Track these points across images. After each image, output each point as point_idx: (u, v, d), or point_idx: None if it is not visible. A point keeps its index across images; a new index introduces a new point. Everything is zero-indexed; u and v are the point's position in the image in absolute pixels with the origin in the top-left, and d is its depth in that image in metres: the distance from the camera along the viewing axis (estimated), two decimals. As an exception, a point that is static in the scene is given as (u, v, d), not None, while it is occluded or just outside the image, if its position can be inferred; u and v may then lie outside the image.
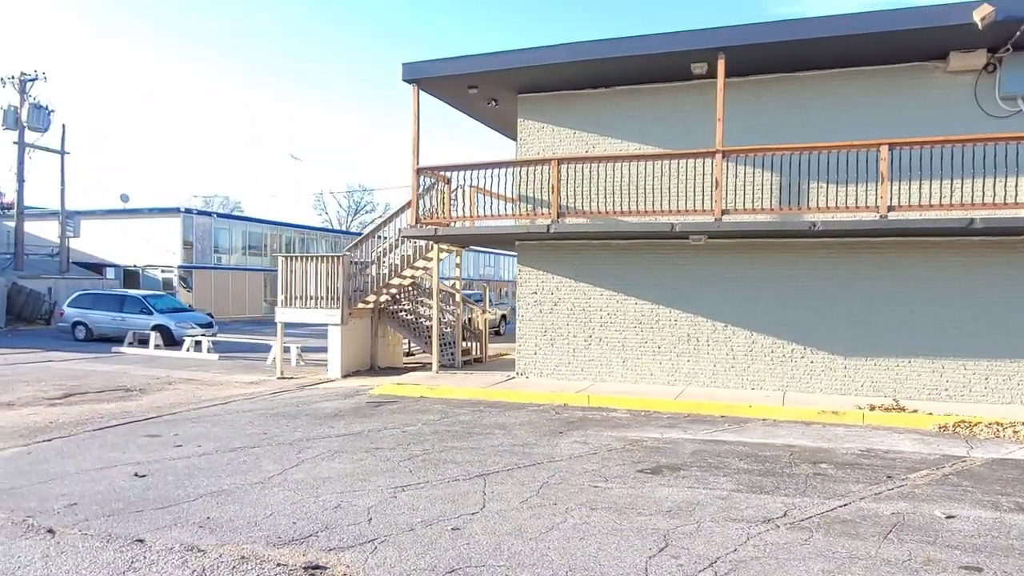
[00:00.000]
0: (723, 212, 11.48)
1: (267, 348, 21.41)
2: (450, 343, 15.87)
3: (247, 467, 7.55)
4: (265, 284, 41.85)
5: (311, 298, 15.49)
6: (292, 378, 15.30)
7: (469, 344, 16.90)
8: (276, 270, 43.68)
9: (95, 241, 36.60)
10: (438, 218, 13.74)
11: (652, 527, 5.66)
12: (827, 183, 11.59)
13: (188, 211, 37.77)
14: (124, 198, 41.37)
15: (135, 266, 36.89)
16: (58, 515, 6.01)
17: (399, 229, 14.93)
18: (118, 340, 22.94)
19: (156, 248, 36.27)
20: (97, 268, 36.69)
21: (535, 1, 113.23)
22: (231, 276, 39.05)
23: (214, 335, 23.10)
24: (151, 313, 23.47)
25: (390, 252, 15.44)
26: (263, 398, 12.44)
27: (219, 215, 40.11)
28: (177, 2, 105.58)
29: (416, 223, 13.39)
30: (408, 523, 5.78)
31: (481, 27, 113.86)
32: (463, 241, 15.03)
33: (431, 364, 17.06)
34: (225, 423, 10.04)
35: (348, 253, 15.54)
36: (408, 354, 18.52)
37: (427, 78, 13.42)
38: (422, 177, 13.55)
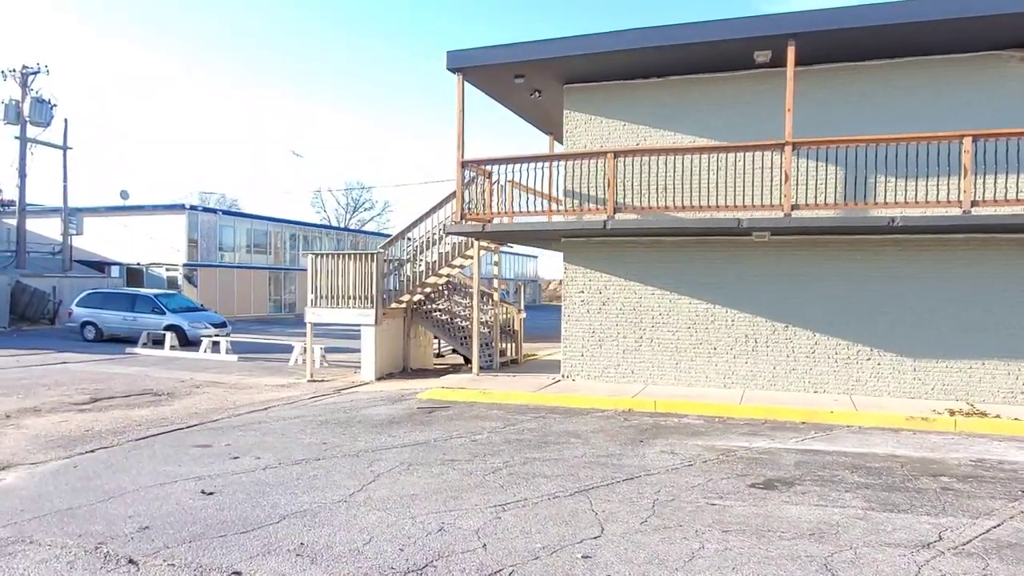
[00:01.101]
0: (793, 207, 10.92)
1: (285, 349, 20.79)
2: (487, 344, 15.27)
3: (320, 483, 6.94)
4: (270, 283, 41.12)
5: (343, 297, 14.86)
6: (323, 380, 14.67)
7: (504, 345, 16.30)
8: (281, 268, 42.98)
9: (97, 239, 35.78)
10: (478, 214, 13.14)
11: (804, 554, 5.09)
12: (899, 177, 11.03)
13: (193, 208, 36.96)
14: (124, 195, 40.57)
15: (139, 264, 36.08)
16: (133, 541, 5.39)
17: (443, 225, 14.30)
18: (128, 340, 22.23)
19: (160, 246, 35.47)
20: (99, 266, 35.84)
21: (535, 2, 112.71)
22: (236, 274, 38.27)
23: (228, 335, 22.42)
24: (163, 313, 22.75)
25: (427, 249, 14.81)
26: (303, 403, 11.81)
27: (224, 212, 39.35)
28: (177, 3, 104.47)
29: (461, 219, 12.78)
30: (529, 550, 5.19)
31: (481, 28, 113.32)
32: (504, 238, 14.42)
33: (462, 366, 16.52)
34: (275, 431, 9.42)
35: (382, 250, 14.92)
36: (438, 355, 17.90)
37: (472, 67, 12.81)
38: (466, 171, 12.93)
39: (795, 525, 5.69)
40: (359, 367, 16.85)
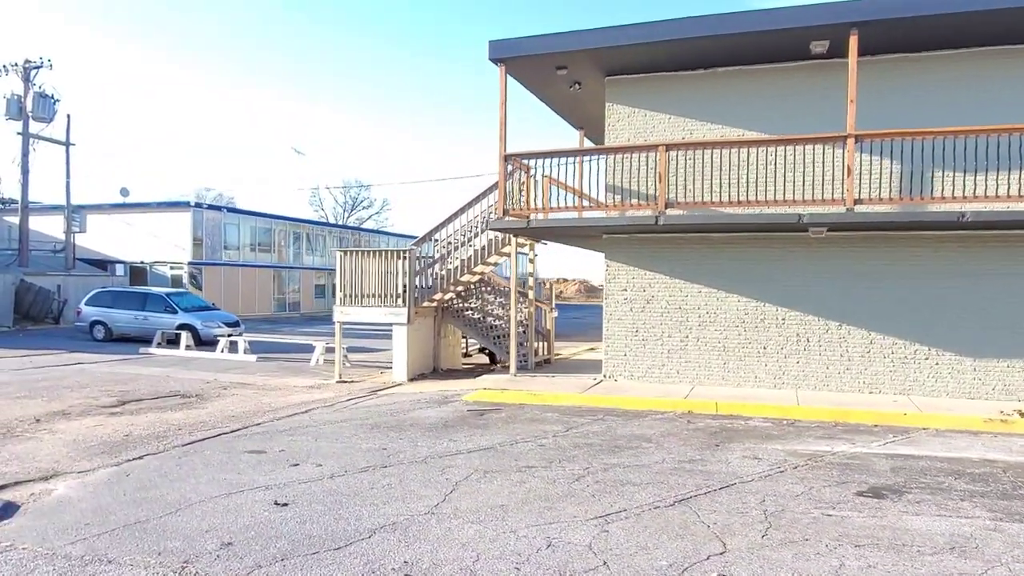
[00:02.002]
0: (855, 201, 10.56)
1: (301, 348, 20.32)
2: (521, 343, 14.84)
3: (398, 493, 6.51)
4: (274, 281, 40.53)
5: (373, 296, 14.41)
6: (351, 381, 14.23)
7: (536, 344, 15.87)
8: (284, 267, 42.28)
9: (99, 237, 35.11)
10: (519, 209, 12.72)
11: (956, 572, 4.70)
12: (967, 172, 10.66)
13: (198, 205, 36.35)
14: (124, 192, 39.88)
15: (142, 262, 35.44)
16: (220, 560, 4.95)
17: (485, 220, 13.85)
18: (139, 340, 21.72)
19: (165, 244, 34.84)
20: (102, 264, 35.19)
21: (535, 2, 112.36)
22: (241, 273, 37.69)
23: (240, 335, 21.93)
24: (176, 312, 22.24)
25: (461, 247, 14.37)
26: (342, 406, 11.37)
27: (229, 209, 38.66)
28: (177, 3, 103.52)
29: (504, 214, 12.36)
30: (655, 568, 4.79)
31: (481, 28, 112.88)
32: (544, 234, 13.98)
33: (491, 366, 16.11)
34: (327, 436, 8.97)
35: (414, 247, 14.48)
36: (465, 355, 17.45)
37: (514, 57, 12.38)
38: (509, 165, 12.51)
39: (929, 539, 5.31)
40: (385, 367, 16.47)
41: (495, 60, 12.36)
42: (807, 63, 11.85)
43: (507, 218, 12.44)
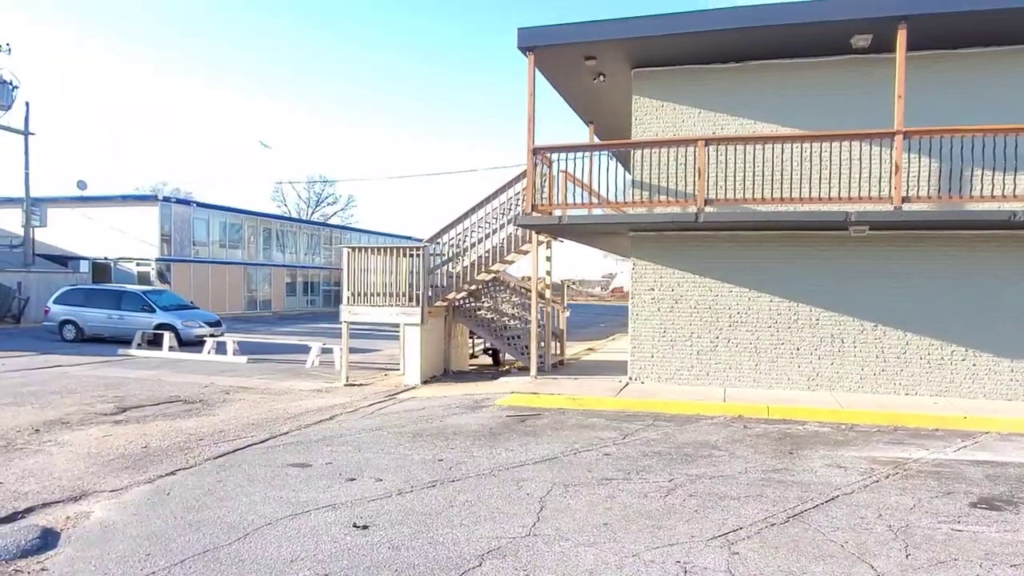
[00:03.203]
0: (903, 199, 10.32)
1: (290, 349, 19.51)
2: (537, 344, 14.30)
3: (482, 511, 5.94)
4: (244, 279, 39.16)
5: (383, 295, 13.73)
6: (360, 384, 13.55)
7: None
8: (255, 264, 40.85)
9: (60, 231, 33.33)
10: (543, 206, 12.21)
11: None
12: (1014, 170, 10.52)
13: (167, 199, 34.84)
14: (81, 185, 37.93)
15: (106, 259, 33.77)
16: (324, 597, 4.33)
17: (510, 216, 13.26)
18: (114, 341, 20.56)
19: (130, 239, 33.25)
20: (63, 261, 33.44)
21: (527, 2, 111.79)
22: (211, 270, 36.27)
23: (223, 335, 20.98)
24: (153, 311, 21.09)
25: (477, 244, 13.77)
26: (366, 412, 10.70)
27: (199, 204, 37.11)
28: (146, 3, 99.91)
29: (532, 210, 11.82)
30: (817, 597, 4.34)
31: (483, 30, 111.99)
32: (571, 232, 13.46)
33: (496, 366, 15.59)
34: (369, 446, 8.33)
35: (428, 244, 13.83)
36: (472, 356, 16.84)
37: (543, 46, 11.86)
38: (538, 159, 11.98)
39: (1083, 556, 4.98)
40: (387, 368, 15.85)
41: (524, 48, 11.82)
42: (844, 57, 11.60)
43: (534, 214, 11.91)
